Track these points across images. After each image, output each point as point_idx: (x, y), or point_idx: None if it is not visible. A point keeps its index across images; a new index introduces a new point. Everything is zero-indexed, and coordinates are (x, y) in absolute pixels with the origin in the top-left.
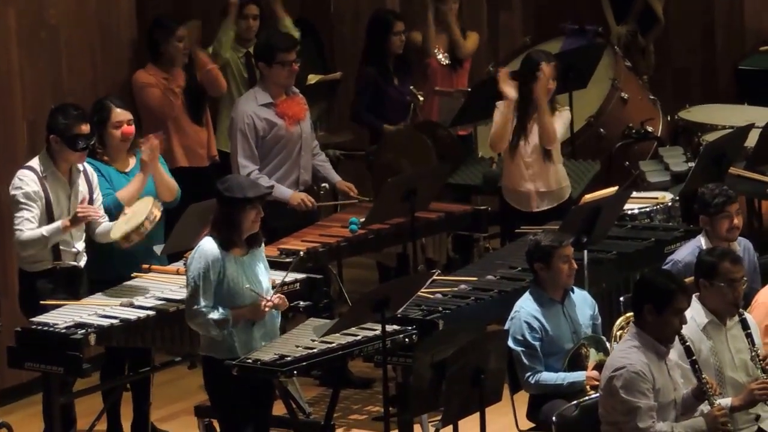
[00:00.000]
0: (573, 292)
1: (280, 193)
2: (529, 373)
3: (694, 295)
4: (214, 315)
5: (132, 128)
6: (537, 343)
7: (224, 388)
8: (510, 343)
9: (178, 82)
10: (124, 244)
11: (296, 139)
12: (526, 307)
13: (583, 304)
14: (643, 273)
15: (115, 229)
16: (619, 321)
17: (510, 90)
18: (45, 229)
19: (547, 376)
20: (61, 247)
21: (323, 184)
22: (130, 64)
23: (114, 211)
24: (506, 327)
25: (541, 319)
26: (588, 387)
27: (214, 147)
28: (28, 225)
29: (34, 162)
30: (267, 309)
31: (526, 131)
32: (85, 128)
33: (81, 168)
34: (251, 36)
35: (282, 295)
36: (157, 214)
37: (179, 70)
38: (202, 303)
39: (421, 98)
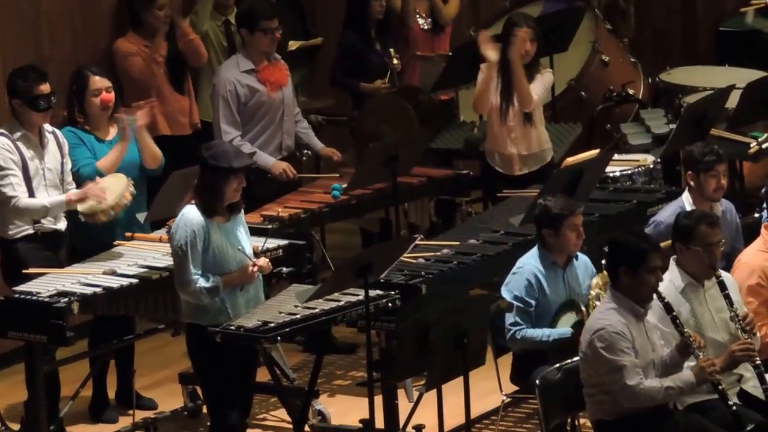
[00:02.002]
0: (576, 259)
1: (263, 160)
2: (516, 328)
3: (671, 258)
4: (205, 283)
5: (110, 96)
6: (533, 302)
7: (208, 355)
8: (506, 294)
9: (161, 51)
10: (87, 219)
11: (278, 104)
12: (530, 264)
13: (584, 273)
14: (614, 236)
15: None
16: (594, 281)
17: (491, 52)
18: (48, 201)
19: (533, 332)
20: None
21: (305, 151)
22: (111, 32)
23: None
24: (507, 280)
25: (542, 280)
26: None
27: (197, 115)
28: (21, 189)
29: (3, 127)
30: (255, 272)
31: (510, 95)
32: (45, 88)
33: (50, 130)
34: (230, 2)
35: (266, 259)
36: (129, 198)
37: (161, 39)
38: (192, 271)
39: (396, 62)
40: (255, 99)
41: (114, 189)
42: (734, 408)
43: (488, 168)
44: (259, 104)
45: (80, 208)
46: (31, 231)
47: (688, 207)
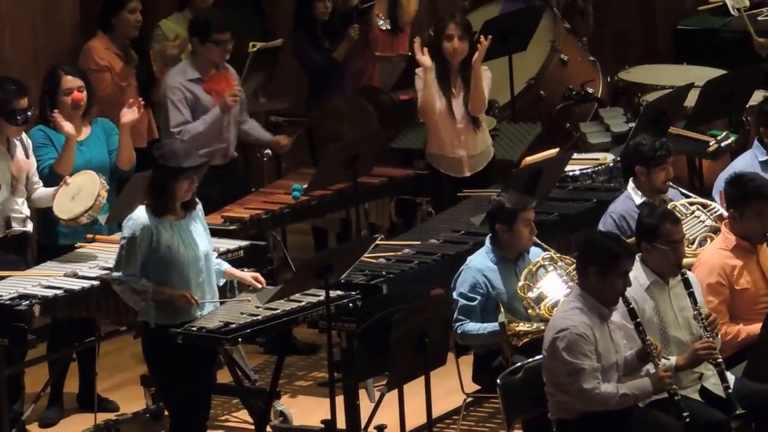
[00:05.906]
0: (528, 253)
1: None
2: (458, 324)
3: (636, 256)
4: (134, 284)
5: (82, 95)
6: (477, 298)
7: (162, 354)
8: (453, 291)
9: (130, 81)
10: (67, 224)
11: (223, 115)
12: (476, 262)
13: None
14: (589, 235)
15: (60, 206)
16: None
17: (425, 59)
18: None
19: (470, 326)
20: (11, 215)
21: (266, 151)
22: (72, 33)
23: (51, 178)
24: (455, 277)
25: (489, 276)
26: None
27: (155, 129)
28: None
29: None
30: (193, 304)
31: (453, 97)
32: (23, 102)
33: (18, 136)
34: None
35: (257, 274)
36: (105, 195)
37: (132, 69)
38: (124, 271)
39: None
40: (200, 109)
41: (88, 188)
42: (687, 420)
43: (436, 172)
44: (202, 113)
45: (59, 214)
46: (1, 235)
47: (637, 198)
